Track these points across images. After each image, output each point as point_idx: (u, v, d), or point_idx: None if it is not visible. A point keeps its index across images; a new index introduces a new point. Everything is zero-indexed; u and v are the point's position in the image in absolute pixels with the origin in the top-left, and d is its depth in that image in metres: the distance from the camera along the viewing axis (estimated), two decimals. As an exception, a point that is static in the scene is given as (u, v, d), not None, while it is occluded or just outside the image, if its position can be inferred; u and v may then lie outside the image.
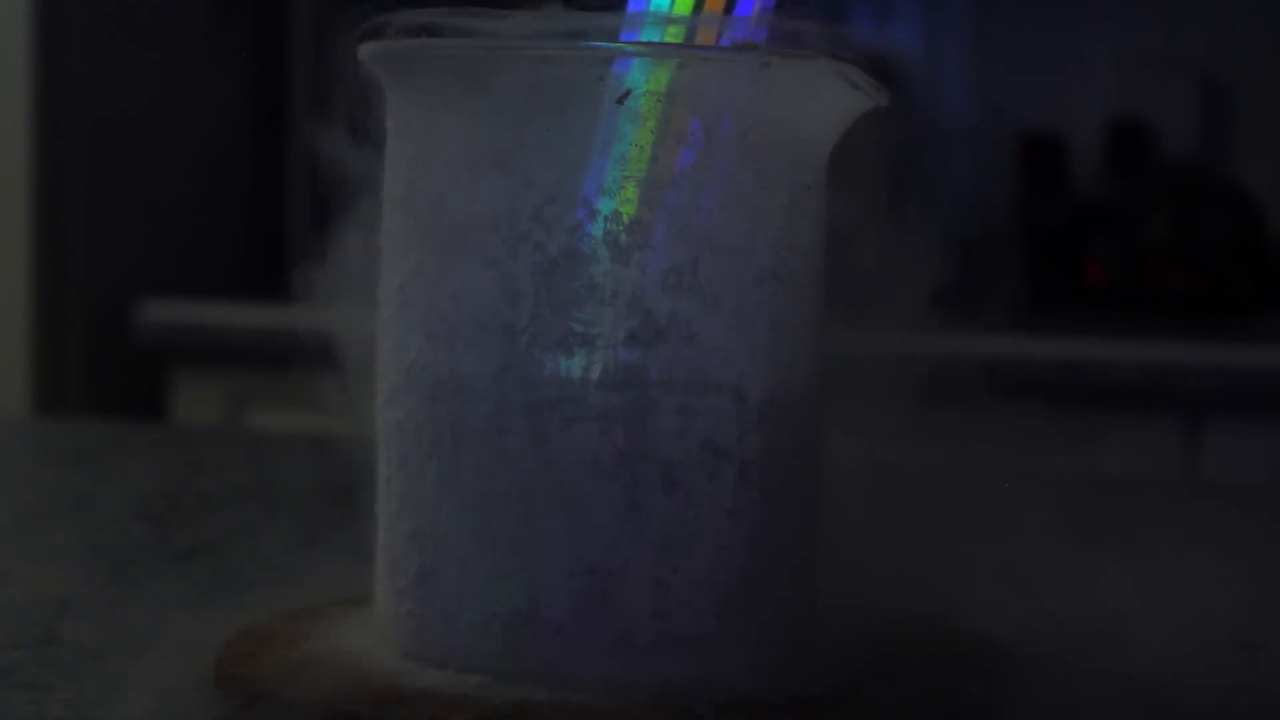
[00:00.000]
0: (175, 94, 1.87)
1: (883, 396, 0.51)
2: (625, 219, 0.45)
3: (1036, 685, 0.49)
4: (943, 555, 0.54)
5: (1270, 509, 0.91)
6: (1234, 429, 1.61)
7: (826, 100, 0.47)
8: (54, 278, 1.73)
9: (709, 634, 0.46)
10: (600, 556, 0.45)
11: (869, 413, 0.51)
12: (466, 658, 0.46)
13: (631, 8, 0.47)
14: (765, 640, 0.47)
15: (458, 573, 0.46)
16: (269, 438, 1.19)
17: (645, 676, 0.45)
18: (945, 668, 0.49)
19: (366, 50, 0.48)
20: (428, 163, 0.47)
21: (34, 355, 1.72)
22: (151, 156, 1.84)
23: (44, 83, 1.71)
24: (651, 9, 0.47)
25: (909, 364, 0.51)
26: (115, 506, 0.80)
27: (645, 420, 0.45)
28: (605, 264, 0.45)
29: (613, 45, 0.47)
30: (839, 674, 0.48)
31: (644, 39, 0.47)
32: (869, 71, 0.47)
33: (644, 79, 0.45)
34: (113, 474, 0.90)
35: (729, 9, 0.47)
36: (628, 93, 0.45)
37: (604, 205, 0.45)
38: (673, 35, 0.47)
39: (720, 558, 0.46)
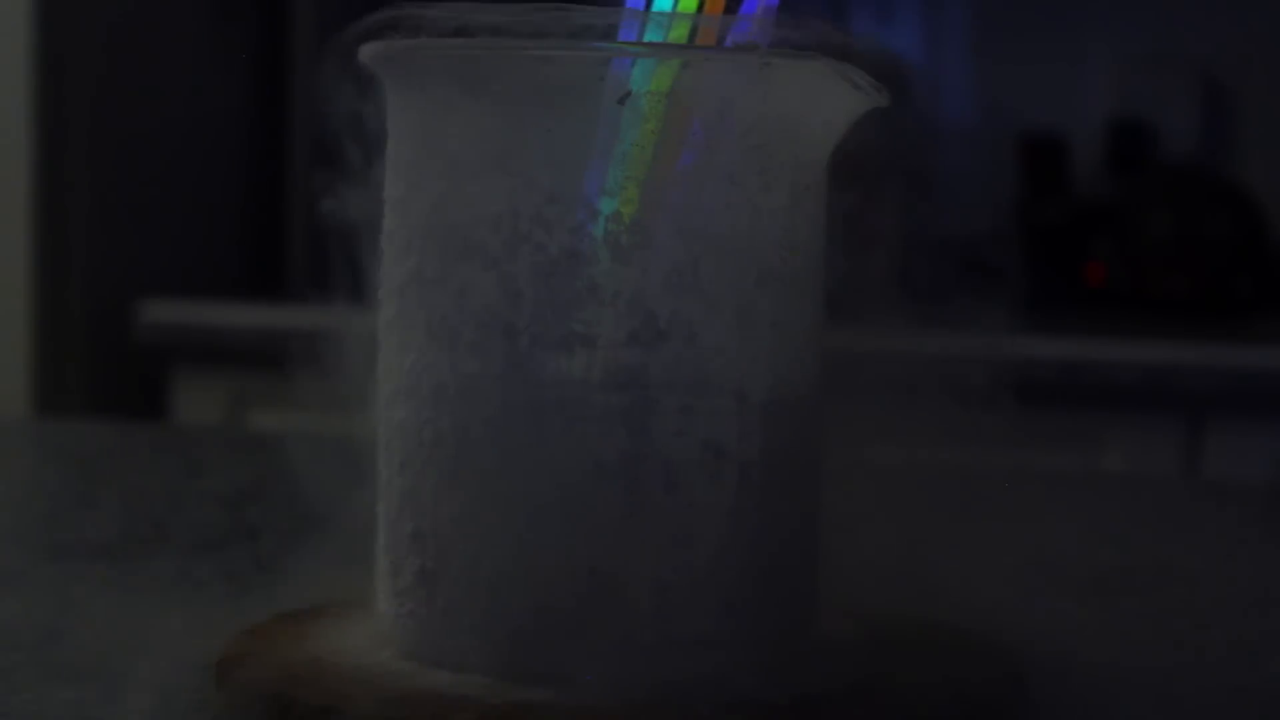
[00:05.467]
0: (175, 94, 1.87)
1: (883, 396, 0.51)
2: (626, 219, 0.45)
3: (1038, 685, 0.49)
4: (943, 555, 0.54)
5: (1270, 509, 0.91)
6: (1234, 429, 1.61)
7: (827, 101, 0.47)
8: (54, 278, 1.73)
9: (710, 634, 0.46)
10: (601, 557, 0.45)
11: (869, 413, 0.51)
12: (467, 658, 0.46)
13: (630, 5, 0.47)
14: (765, 640, 0.47)
15: (459, 573, 0.46)
16: (269, 438, 1.19)
17: (645, 676, 0.45)
18: (946, 668, 0.49)
19: (367, 50, 0.48)
20: (428, 163, 0.47)
21: (34, 355, 1.72)
22: (152, 156, 1.84)
23: (44, 83, 1.71)
24: (653, 9, 0.47)
25: (909, 364, 0.51)
26: (115, 506, 0.80)
27: (646, 421, 0.45)
28: (606, 264, 0.45)
29: (613, 45, 0.47)
30: (839, 674, 0.47)
31: (645, 39, 0.47)
32: (870, 72, 0.47)
33: (645, 79, 0.45)
34: (113, 474, 0.89)
35: (731, 9, 0.47)
36: (628, 93, 0.45)
37: (605, 205, 0.45)
38: (674, 35, 0.47)
39: (721, 558, 0.46)
